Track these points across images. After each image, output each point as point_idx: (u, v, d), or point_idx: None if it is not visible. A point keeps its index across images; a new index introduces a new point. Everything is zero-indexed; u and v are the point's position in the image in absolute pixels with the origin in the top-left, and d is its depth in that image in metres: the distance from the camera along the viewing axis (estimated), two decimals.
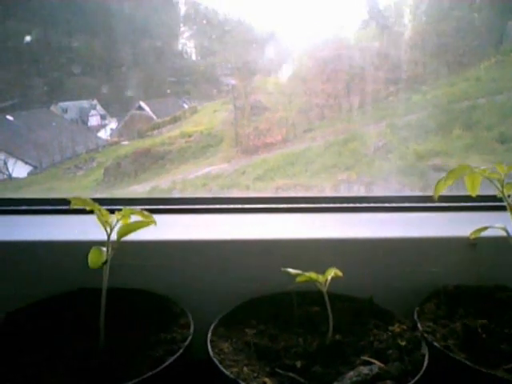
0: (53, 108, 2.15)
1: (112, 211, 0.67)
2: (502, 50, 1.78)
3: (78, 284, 0.80)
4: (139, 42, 1.73)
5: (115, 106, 2.10)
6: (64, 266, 0.83)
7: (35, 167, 1.94)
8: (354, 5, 1.78)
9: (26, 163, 1.90)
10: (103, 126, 2.25)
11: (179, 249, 0.85)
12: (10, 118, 1.91)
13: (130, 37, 1.67)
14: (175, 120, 2.26)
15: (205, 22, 1.86)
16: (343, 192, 1.64)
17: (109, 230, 0.65)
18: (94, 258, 0.64)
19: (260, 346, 0.69)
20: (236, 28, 1.87)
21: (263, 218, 0.99)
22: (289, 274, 0.68)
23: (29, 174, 1.90)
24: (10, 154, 1.85)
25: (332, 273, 0.67)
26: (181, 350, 0.65)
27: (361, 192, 1.60)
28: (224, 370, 0.61)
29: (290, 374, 0.62)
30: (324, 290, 0.67)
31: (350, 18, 1.78)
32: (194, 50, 1.98)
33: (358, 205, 1.01)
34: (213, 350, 0.65)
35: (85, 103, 2.22)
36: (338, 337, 0.69)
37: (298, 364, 0.64)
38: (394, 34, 1.86)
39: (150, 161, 2.00)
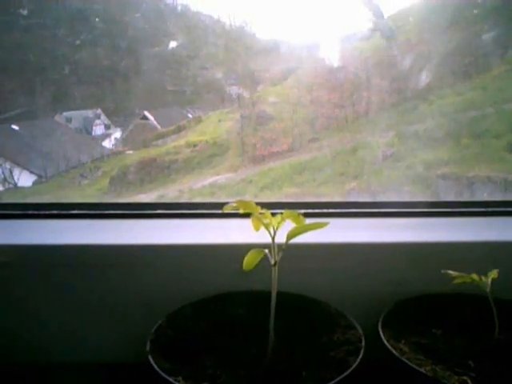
0: (57, 117, 2.15)
1: None
2: (508, 60, 1.79)
3: (223, 288, 0.80)
4: None
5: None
6: (208, 269, 0.83)
7: (40, 176, 1.93)
8: (359, 15, 1.79)
9: (32, 172, 1.89)
10: (108, 136, 2.24)
11: (325, 252, 0.84)
12: (15, 127, 1.90)
13: None
14: (180, 129, 2.26)
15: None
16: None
17: (272, 232, 0.64)
18: (250, 260, 0.64)
19: (428, 346, 0.68)
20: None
21: (414, 222, 0.98)
22: (449, 275, 0.68)
23: (34, 183, 1.90)
24: (16, 163, 1.84)
25: (494, 274, 0.67)
26: (362, 350, 0.64)
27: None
28: (421, 370, 0.60)
29: (471, 374, 0.61)
30: (487, 290, 0.67)
31: (354, 27, 1.80)
32: None
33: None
34: (395, 351, 0.64)
35: (89, 113, 2.22)
36: (502, 337, 0.68)
37: (472, 364, 0.63)
38: (398, 44, 1.87)
39: (156, 170, 1.99)
